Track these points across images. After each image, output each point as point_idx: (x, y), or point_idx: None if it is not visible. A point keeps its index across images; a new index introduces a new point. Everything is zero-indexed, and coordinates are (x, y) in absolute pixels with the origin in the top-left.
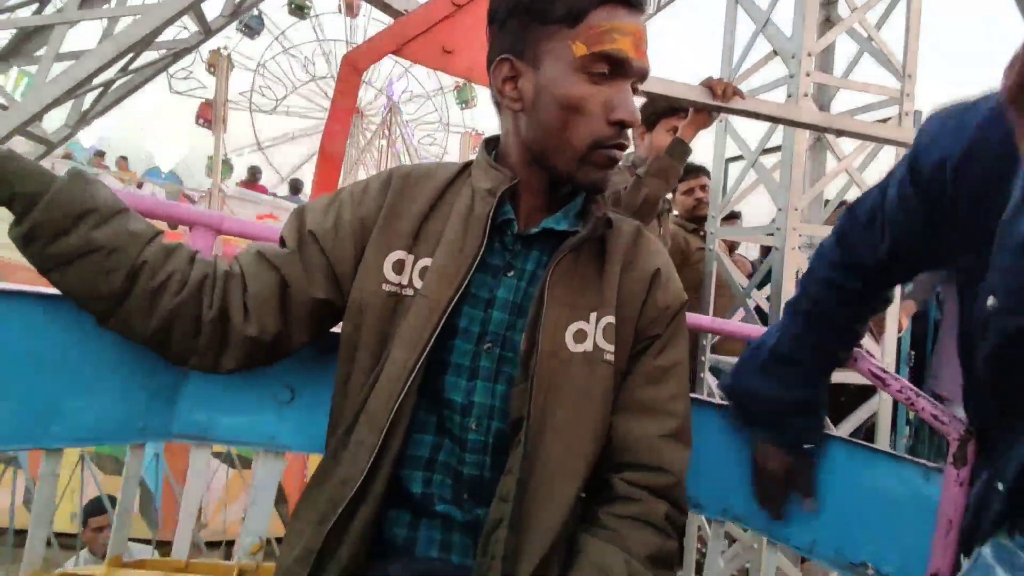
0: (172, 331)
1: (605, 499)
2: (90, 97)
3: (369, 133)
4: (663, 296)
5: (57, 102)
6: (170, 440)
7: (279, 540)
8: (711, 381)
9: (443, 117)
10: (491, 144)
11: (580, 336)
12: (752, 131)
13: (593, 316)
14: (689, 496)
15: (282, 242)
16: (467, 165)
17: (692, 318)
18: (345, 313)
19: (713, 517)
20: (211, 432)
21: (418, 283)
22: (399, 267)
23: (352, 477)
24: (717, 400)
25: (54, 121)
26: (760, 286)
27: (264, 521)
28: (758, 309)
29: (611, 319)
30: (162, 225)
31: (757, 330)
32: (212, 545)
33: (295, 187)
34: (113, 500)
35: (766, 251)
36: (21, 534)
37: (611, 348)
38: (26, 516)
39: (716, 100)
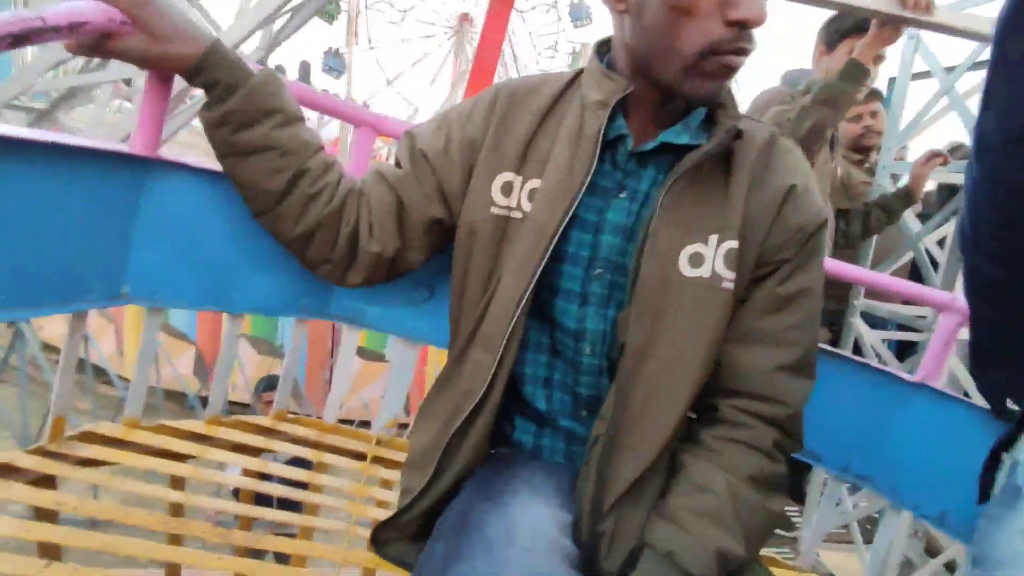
0: (313, 239)
1: (710, 422)
2: (280, 21)
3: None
4: (796, 216)
5: (259, 26)
6: (326, 319)
7: (402, 426)
8: (861, 328)
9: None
10: (603, 49)
11: (696, 260)
12: (945, 45)
13: (713, 239)
14: (809, 448)
15: (397, 163)
16: (577, 75)
17: (834, 266)
18: (456, 234)
19: (833, 472)
20: (360, 317)
21: (527, 206)
22: (507, 189)
23: (472, 392)
24: (848, 354)
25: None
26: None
27: (399, 401)
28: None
29: (733, 243)
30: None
31: (906, 286)
32: (346, 422)
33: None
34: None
35: (945, 191)
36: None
37: (731, 276)
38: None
39: (907, 11)
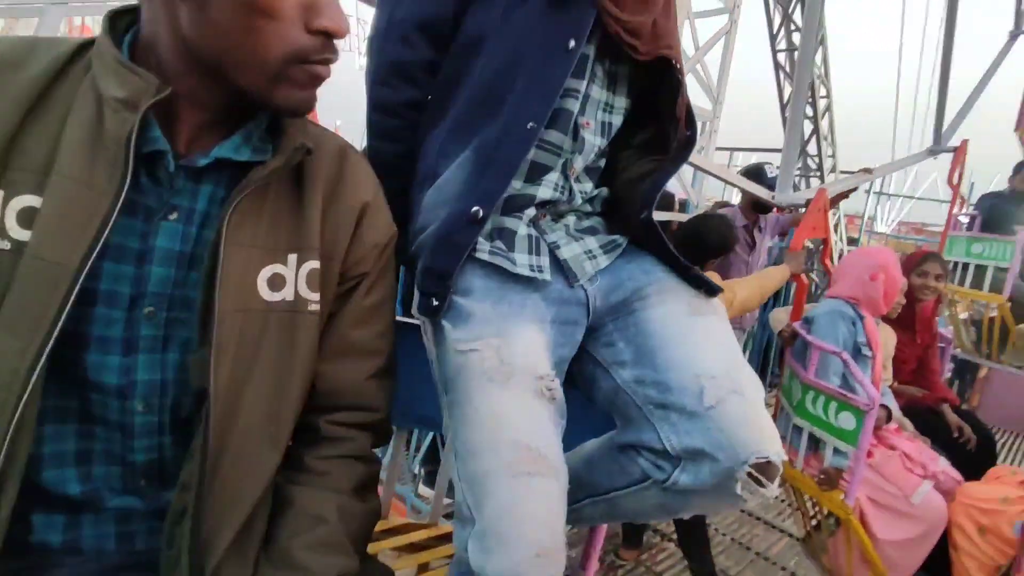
0: None
1: (311, 442)
2: None
3: None
4: (372, 233)
5: None
6: None
7: None
8: None
9: None
10: (121, 25)
11: (277, 283)
12: None
13: (292, 259)
14: (430, 416)
15: None
16: (82, 48)
17: None
18: None
19: (407, 426)
20: None
21: (17, 232)
22: None
23: None
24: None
25: None
26: None
27: None
28: None
29: (315, 264)
30: None
31: None
32: None
33: None
34: None
35: None
36: None
37: (316, 297)
38: None
39: None
